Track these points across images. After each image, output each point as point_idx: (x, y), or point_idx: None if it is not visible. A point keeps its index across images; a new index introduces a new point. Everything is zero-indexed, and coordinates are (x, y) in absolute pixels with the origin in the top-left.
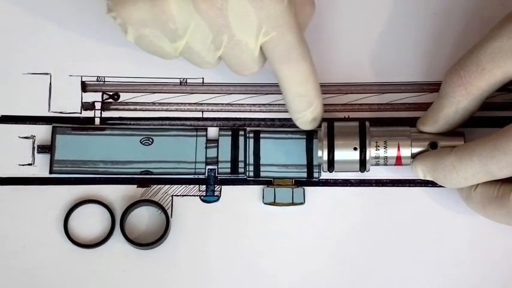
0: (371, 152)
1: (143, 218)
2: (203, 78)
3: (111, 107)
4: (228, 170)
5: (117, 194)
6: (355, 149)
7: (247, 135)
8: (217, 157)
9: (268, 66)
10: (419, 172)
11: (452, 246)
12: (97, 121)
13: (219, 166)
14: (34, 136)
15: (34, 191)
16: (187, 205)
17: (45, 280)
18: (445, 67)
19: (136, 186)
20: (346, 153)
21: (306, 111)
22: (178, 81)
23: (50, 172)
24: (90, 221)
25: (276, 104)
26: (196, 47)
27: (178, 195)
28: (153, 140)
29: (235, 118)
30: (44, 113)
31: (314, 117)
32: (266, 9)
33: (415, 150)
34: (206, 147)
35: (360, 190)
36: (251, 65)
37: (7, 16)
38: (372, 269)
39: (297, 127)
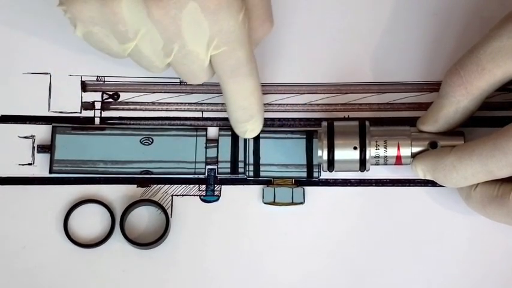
0: (371, 152)
1: (143, 218)
2: None
3: (111, 106)
4: (228, 170)
5: (117, 194)
6: (355, 148)
7: None
8: (217, 157)
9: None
10: (419, 172)
11: (452, 246)
12: (97, 121)
13: (219, 166)
14: (34, 136)
15: (34, 190)
16: (187, 205)
17: (45, 280)
18: (445, 67)
19: (136, 186)
20: (346, 153)
21: (246, 122)
22: (178, 81)
23: (50, 172)
24: (90, 221)
25: (275, 104)
26: (145, 51)
27: (178, 195)
28: (153, 140)
29: None
30: (44, 112)
31: (253, 128)
32: (220, 23)
33: (415, 149)
34: (206, 147)
35: (360, 190)
36: (200, 75)
37: (7, 16)
38: (371, 269)
39: (297, 127)
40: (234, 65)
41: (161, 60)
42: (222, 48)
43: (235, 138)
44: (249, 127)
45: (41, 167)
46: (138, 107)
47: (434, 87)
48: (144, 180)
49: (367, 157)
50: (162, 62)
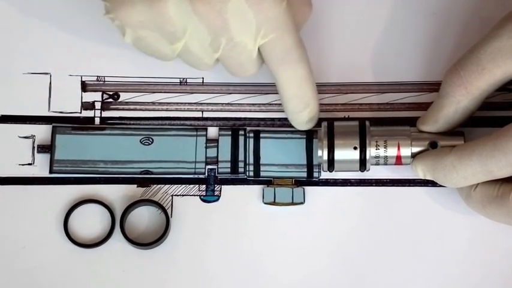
0: (371, 152)
1: (143, 218)
2: (203, 78)
3: (111, 106)
4: (228, 170)
5: (117, 194)
6: (355, 148)
7: (247, 135)
8: (217, 157)
9: (266, 67)
10: (419, 172)
11: (452, 246)
12: (97, 121)
13: (219, 166)
14: (34, 136)
15: (34, 190)
16: (187, 205)
17: (45, 280)
18: (445, 67)
19: (136, 186)
20: (346, 153)
21: (302, 112)
22: (178, 81)
23: (50, 172)
24: (90, 221)
25: (275, 104)
26: (194, 49)
27: (178, 195)
28: (153, 140)
29: (235, 118)
30: (44, 112)
31: (310, 117)
32: (265, 12)
33: (415, 149)
34: (206, 147)
35: (360, 190)
36: (249, 67)
37: (7, 16)
38: (371, 269)
39: None
40: (283, 52)
41: (210, 56)
42: (269, 36)
43: (235, 138)
44: (306, 116)
45: (41, 167)
46: (138, 107)
47: (434, 87)
48: (144, 180)
49: (367, 157)
50: (211, 58)
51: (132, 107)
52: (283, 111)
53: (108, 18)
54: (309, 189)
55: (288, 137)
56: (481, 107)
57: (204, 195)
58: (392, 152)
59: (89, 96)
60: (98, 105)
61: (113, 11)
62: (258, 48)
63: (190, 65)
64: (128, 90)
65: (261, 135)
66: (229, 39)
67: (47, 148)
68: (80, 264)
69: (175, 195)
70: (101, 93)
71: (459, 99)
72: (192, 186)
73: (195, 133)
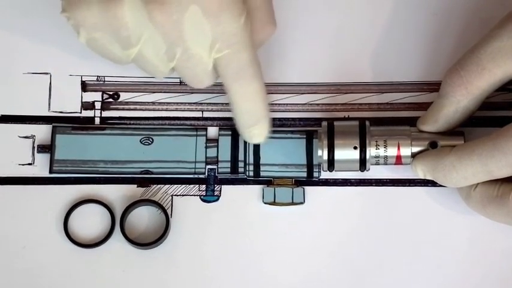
0: (371, 151)
1: (143, 218)
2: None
3: (111, 106)
4: (228, 170)
5: (117, 194)
6: (355, 148)
7: None
8: (217, 157)
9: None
10: (419, 171)
11: (452, 246)
12: (97, 121)
13: (218, 166)
14: (34, 136)
15: (34, 190)
16: (187, 205)
17: (45, 280)
18: (445, 67)
19: (136, 185)
20: (346, 153)
21: (253, 127)
22: (178, 81)
23: (50, 172)
24: (90, 221)
25: (275, 104)
26: (149, 56)
27: (178, 195)
28: (153, 140)
29: None
30: (44, 112)
31: (260, 133)
32: (222, 26)
33: (415, 149)
34: (206, 147)
35: (360, 190)
36: (204, 78)
37: (7, 16)
38: (371, 269)
39: (297, 127)
40: (237, 68)
41: (165, 64)
42: (224, 51)
43: (235, 138)
44: (255, 132)
45: (41, 167)
46: (138, 107)
47: (434, 87)
48: (144, 180)
49: (367, 157)
50: (165, 67)
51: (132, 106)
52: (283, 111)
53: (63, 16)
54: (309, 189)
55: (288, 137)
56: (481, 107)
57: (204, 195)
58: (392, 151)
59: (89, 96)
60: (98, 105)
61: (68, 10)
62: (213, 61)
63: (144, 71)
64: (128, 90)
65: None
66: (184, 50)
67: (47, 148)
68: (80, 264)
69: (175, 195)
70: (101, 93)
71: (459, 99)
72: (192, 186)
73: (195, 133)
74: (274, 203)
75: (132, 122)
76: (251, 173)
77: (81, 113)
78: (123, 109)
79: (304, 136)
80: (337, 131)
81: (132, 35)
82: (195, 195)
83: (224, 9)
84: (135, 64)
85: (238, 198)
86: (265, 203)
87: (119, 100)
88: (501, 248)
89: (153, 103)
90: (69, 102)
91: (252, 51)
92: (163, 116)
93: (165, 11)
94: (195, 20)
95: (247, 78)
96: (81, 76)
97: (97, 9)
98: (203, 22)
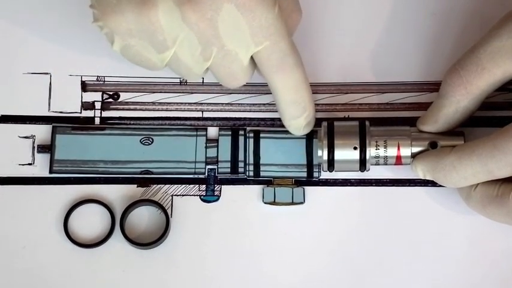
0: (371, 152)
1: (143, 218)
2: (203, 78)
3: (111, 106)
4: (228, 170)
5: (117, 194)
6: (355, 148)
7: (247, 135)
8: (217, 157)
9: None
10: (419, 172)
11: (452, 246)
12: (97, 121)
13: (219, 166)
14: (34, 136)
15: (34, 190)
16: (187, 205)
17: (45, 280)
18: (445, 67)
19: (136, 186)
20: (346, 153)
21: (300, 117)
22: (178, 81)
23: (50, 172)
24: (90, 221)
25: (276, 104)
26: (184, 58)
27: (178, 195)
28: (153, 140)
29: (235, 118)
30: (44, 112)
31: (307, 122)
32: (258, 19)
33: (415, 149)
34: (206, 147)
35: (360, 190)
36: (240, 76)
37: (7, 16)
38: (371, 269)
39: None
40: (279, 58)
41: (200, 65)
42: (264, 43)
43: (235, 138)
44: (303, 121)
45: (41, 167)
46: (138, 107)
47: (434, 87)
48: (144, 180)
49: (367, 157)
50: (201, 68)
51: (132, 107)
52: None
53: (96, 26)
54: (309, 189)
55: (288, 137)
56: (481, 107)
57: (204, 195)
58: (392, 152)
59: (89, 96)
60: (98, 105)
61: (102, 19)
62: (251, 57)
63: (179, 74)
64: (128, 90)
65: (261, 135)
66: (220, 48)
67: (47, 148)
68: (80, 264)
69: (175, 195)
70: (101, 93)
71: (459, 99)
72: (192, 186)
73: (195, 133)
74: (274, 203)
75: (132, 122)
76: (251, 173)
77: (81, 113)
78: (123, 109)
79: (304, 136)
80: (337, 131)
81: (167, 38)
82: (195, 195)
83: (258, 2)
84: (170, 68)
85: (238, 198)
86: (265, 203)
87: (118, 100)
88: (501, 248)
89: (153, 103)
90: (69, 103)
91: (289, 40)
92: (163, 116)
93: (199, 11)
94: (230, 16)
95: (289, 68)
96: (81, 76)
97: (131, 14)
98: (239, 17)
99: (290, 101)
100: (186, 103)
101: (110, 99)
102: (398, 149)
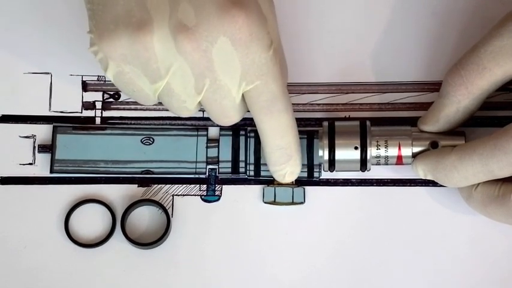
0: (372, 152)
1: (144, 218)
2: None
3: (112, 106)
4: (229, 170)
5: (117, 194)
6: (355, 148)
7: (248, 134)
8: (218, 157)
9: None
10: (420, 171)
11: (453, 246)
12: (98, 121)
13: (219, 166)
14: (35, 135)
15: (35, 190)
16: (188, 205)
17: (46, 280)
18: (446, 66)
19: (137, 185)
20: (347, 153)
21: (285, 163)
22: None
23: (51, 171)
24: (91, 221)
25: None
26: (176, 90)
27: (179, 195)
28: (153, 140)
29: None
30: (45, 112)
31: (292, 170)
32: (251, 57)
33: (416, 149)
34: (207, 147)
35: (361, 190)
36: (231, 113)
37: (8, 16)
38: (372, 269)
39: (298, 127)
40: (268, 100)
41: (192, 98)
42: (255, 82)
43: (236, 137)
44: (288, 169)
45: (41, 167)
46: (138, 106)
47: (435, 87)
48: (145, 180)
49: (368, 157)
50: (193, 101)
51: (132, 106)
52: None
53: (91, 52)
54: (310, 189)
55: None
56: (481, 106)
57: (204, 195)
58: (393, 151)
59: (90, 96)
60: (98, 105)
61: (98, 43)
62: (242, 95)
63: (171, 108)
64: None
65: None
66: (213, 81)
67: (47, 148)
68: (81, 264)
69: (176, 195)
70: (101, 92)
71: (460, 99)
72: (192, 186)
73: (195, 133)
74: (274, 203)
75: (132, 121)
76: (252, 173)
77: (81, 112)
78: (123, 109)
79: (305, 136)
80: (338, 131)
81: (160, 67)
82: (195, 195)
83: (254, 39)
84: (162, 100)
85: (239, 198)
86: (265, 203)
87: (119, 100)
88: (502, 248)
89: None
90: (70, 102)
91: (281, 82)
92: (164, 115)
93: (194, 41)
94: (224, 50)
95: (278, 111)
96: (82, 76)
97: (127, 40)
98: (232, 52)
99: (276, 146)
100: None
101: (111, 99)
102: (399, 148)
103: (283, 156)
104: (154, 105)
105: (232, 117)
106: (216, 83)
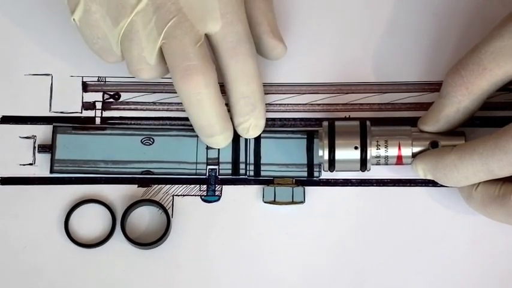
0: (372, 152)
1: (144, 218)
2: None
3: (112, 106)
4: (229, 171)
5: (118, 194)
6: (355, 148)
7: None
8: (218, 158)
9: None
10: (420, 171)
11: (453, 246)
12: (98, 121)
13: (220, 167)
14: (35, 136)
15: (35, 190)
16: (188, 205)
17: (46, 280)
18: (446, 67)
19: (137, 186)
20: (347, 153)
21: (249, 114)
22: None
23: (51, 172)
24: (91, 221)
25: (276, 104)
26: (139, 31)
27: (179, 195)
28: (153, 140)
29: None
30: (45, 113)
31: (256, 123)
32: None
33: (416, 149)
34: (207, 148)
35: (361, 190)
36: (192, 55)
37: (8, 17)
38: (372, 268)
39: (298, 127)
40: (234, 41)
41: (153, 42)
42: (220, 20)
43: (236, 138)
44: (252, 121)
45: (41, 167)
46: (139, 107)
47: (435, 87)
48: (145, 180)
49: (368, 157)
50: (153, 47)
51: (133, 107)
52: (283, 111)
53: None
54: (310, 189)
55: (289, 136)
56: (482, 107)
57: (205, 195)
58: (393, 151)
59: (90, 97)
60: (98, 105)
61: None
62: (208, 38)
63: (130, 61)
64: (129, 90)
65: (262, 135)
66: (176, 14)
67: (47, 148)
68: (81, 264)
69: (176, 195)
70: (101, 93)
71: (460, 99)
72: (193, 186)
73: (196, 134)
74: (274, 202)
75: (133, 122)
76: (252, 173)
77: (81, 113)
78: (123, 109)
79: (305, 136)
80: (338, 131)
81: (126, 4)
82: (196, 195)
83: None
84: (123, 49)
85: (239, 198)
86: (265, 202)
87: (119, 100)
88: (502, 248)
89: (154, 103)
90: (70, 103)
91: (246, 27)
92: (164, 116)
93: None
94: None
95: (243, 55)
96: (82, 77)
97: None
98: None
99: (240, 93)
100: None
101: (111, 99)
102: (399, 148)
103: (247, 105)
104: (154, 105)
105: (192, 59)
106: (178, 17)
